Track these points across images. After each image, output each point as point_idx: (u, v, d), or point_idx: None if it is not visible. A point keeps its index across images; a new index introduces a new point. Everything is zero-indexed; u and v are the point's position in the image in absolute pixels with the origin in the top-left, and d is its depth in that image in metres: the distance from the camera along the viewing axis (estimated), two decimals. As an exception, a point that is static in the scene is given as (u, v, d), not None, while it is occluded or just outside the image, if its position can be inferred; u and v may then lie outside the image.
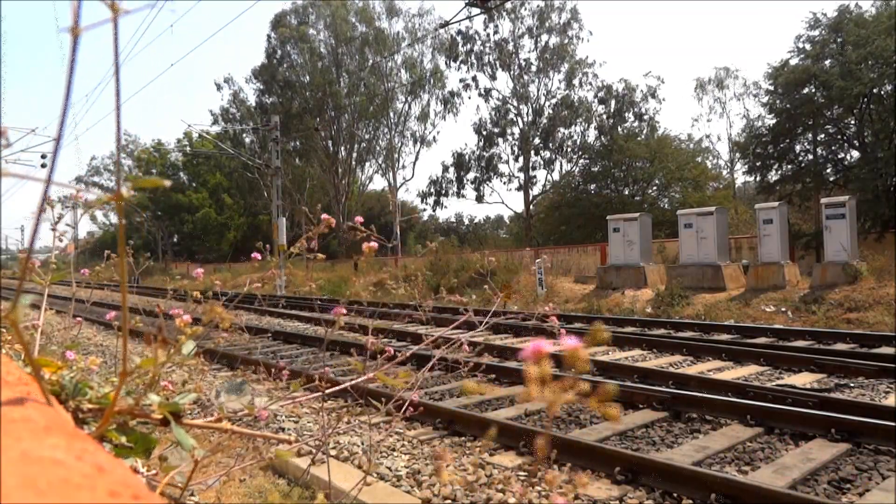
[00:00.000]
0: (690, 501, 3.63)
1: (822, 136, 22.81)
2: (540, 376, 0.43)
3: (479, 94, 36.74)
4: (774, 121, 23.13)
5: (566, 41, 35.23)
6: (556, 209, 34.09)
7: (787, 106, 22.01)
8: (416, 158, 47.10)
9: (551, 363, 0.45)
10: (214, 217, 50.54)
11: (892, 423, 4.45)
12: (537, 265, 17.08)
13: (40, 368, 0.67)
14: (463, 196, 38.15)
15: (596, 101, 35.15)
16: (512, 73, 36.01)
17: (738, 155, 32.31)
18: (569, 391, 0.43)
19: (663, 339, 9.18)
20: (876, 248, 16.30)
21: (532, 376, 0.43)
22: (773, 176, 23.79)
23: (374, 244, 1.13)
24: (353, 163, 41.46)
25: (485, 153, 37.07)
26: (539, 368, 0.44)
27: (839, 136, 22.68)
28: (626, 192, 32.20)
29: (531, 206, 36.74)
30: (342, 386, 1.33)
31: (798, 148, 23.44)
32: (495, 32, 35.45)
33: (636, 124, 34.43)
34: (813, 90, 21.48)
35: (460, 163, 37.66)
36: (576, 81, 35.47)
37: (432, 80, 39.94)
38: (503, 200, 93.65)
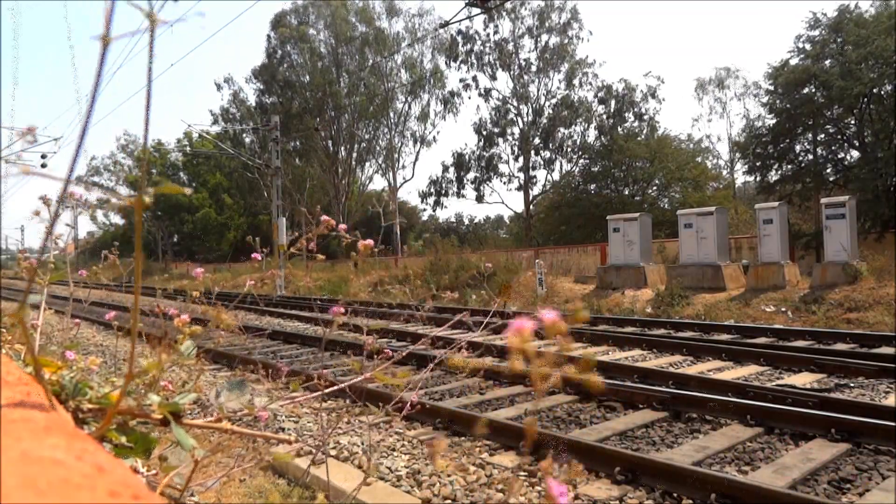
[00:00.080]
0: (690, 501, 3.63)
1: (822, 136, 22.80)
2: (521, 346, 0.45)
3: (479, 94, 36.78)
4: (774, 121, 23.11)
5: (566, 41, 35.24)
6: (556, 209, 34.08)
7: (787, 106, 22.00)
8: (416, 158, 47.08)
9: (536, 345, 0.47)
10: (214, 217, 50.53)
11: (892, 423, 4.45)
12: (537, 265, 17.08)
13: (41, 368, 0.67)
14: (463, 196, 38.17)
15: (596, 101, 35.17)
16: (512, 72, 36.02)
17: (738, 155, 32.34)
18: (552, 365, 0.44)
19: (663, 339, 9.18)
20: (876, 248, 16.30)
21: (514, 346, 0.45)
22: (773, 176, 23.78)
23: (369, 241, 1.14)
24: (353, 163, 41.47)
25: (485, 153, 37.07)
26: (520, 339, 0.45)
27: (839, 136, 22.68)
28: (626, 192, 32.20)
29: (531, 206, 36.74)
30: (340, 386, 1.33)
31: (798, 148, 23.43)
32: (495, 32, 35.49)
33: (636, 124, 34.44)
34: (813, 90, 21.47)
35: (460, 163, 37.65)
36: (576, 81, 35.49)
37: (432, 80, 39.93)
38: (503, 200, 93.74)
